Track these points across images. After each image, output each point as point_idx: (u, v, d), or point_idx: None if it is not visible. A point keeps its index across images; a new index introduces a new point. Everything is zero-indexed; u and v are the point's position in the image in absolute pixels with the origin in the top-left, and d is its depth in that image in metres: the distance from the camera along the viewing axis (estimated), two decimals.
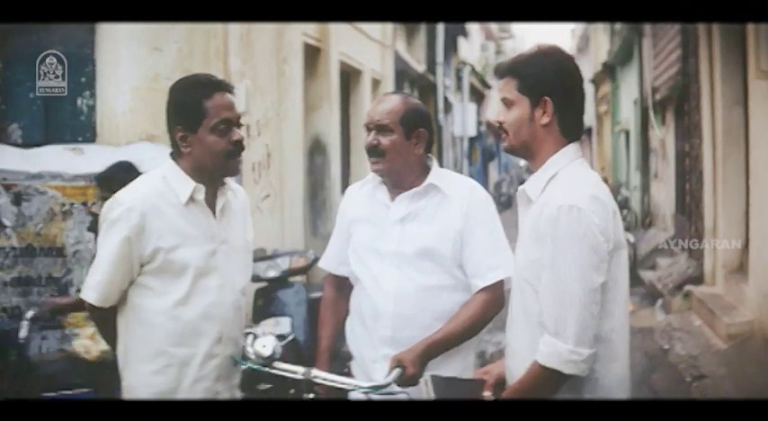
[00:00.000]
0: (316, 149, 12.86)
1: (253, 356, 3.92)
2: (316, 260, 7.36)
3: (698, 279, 12.77)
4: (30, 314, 5.66)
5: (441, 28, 24.92)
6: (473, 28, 36.65)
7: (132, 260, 3.90)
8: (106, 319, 4.06)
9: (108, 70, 7.89)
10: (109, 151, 7.59)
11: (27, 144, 7.66)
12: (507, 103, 3.47)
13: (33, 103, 7.67)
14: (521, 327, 3.46)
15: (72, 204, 7.02)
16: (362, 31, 15.30)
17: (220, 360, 4.02)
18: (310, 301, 7.83)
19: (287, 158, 10.68)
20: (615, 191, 21.21)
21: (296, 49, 11.31)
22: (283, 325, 7.77)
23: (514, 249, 3.61)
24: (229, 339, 4.04)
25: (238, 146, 3.97)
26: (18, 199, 6.98)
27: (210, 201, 4.02)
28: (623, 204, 20.53)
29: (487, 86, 40.11)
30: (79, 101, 7.90)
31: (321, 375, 3.92)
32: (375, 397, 3.86)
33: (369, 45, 16.11)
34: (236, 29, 8.60)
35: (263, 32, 9.79)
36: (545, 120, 3.42)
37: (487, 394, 3.51)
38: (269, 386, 3.99)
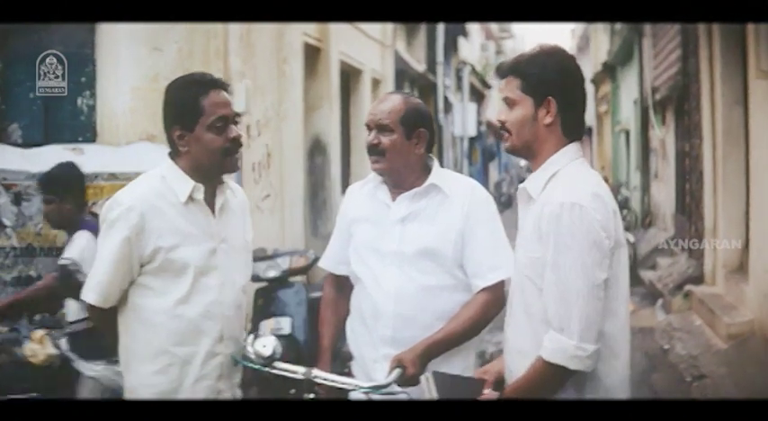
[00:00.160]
0: (316, 149, 12.86)
1: (253, 356, 3.92)
2: (316, 260, 7.36)
3: (698, 279, 12.77)
4: None
5: (441, 28, 24.91)
6: (473, 28, 36.65)
7: (132, 260, 3.90)
8: (107, 320, 4.05)
9: (108, 70, 7.90)
10: (109, 151, 7.61)
11: (27, 144, 7.67)
12: (510, 103, 3.47)
13: (33, 102, 7.68)
14: (521, 326, 3.46)
15: None
16: (362, 30, 15.30)
17: (222, 358, 4.02)
18: (310, 301, 7.83)
19: (287, 158, 10.69)
20: (615, 190, 21.22)
21: (296, 48, 11.32)
22: (283, 324, 7.78)
23: (514, 248, 3.61)
24: (230, 338, 4.04)
25: (236, 143, 3.97)
26: (18, 199, 6.99)
27: (210, 200, 4.01)
28: (623, 204, 20.53)
29: (488, 86, 40.11)
30: (79, 101, 7.91)
31: (321, 375, 3.92)
32: (376, 397, 3.86)
33: (369, 45, 16.12)
34: (236, 29, 8.61)
35: (264, 32, 9.79)
36: (548, 119, 3.42)
37: (488, 391, 3.51)
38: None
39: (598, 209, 3.29)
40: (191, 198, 3.94)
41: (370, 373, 4.16)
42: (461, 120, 28.78)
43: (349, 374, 4.25)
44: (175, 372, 3.95)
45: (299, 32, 11.43)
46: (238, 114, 4.07)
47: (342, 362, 4.37)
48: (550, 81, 3.42)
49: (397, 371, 3.85)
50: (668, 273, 14.16)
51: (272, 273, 8.07)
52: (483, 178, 37.65)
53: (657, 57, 18.35)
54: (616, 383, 3.39)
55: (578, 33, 44.36)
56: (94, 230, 5.75)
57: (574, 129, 3.49)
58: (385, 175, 4.24)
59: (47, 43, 7.34)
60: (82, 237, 5.69)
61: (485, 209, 4.22)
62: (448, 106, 27.93)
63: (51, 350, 5.78)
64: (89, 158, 7.40)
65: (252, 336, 4.00)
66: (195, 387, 3.97)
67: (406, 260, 4.15)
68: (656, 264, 15.48)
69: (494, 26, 46.72)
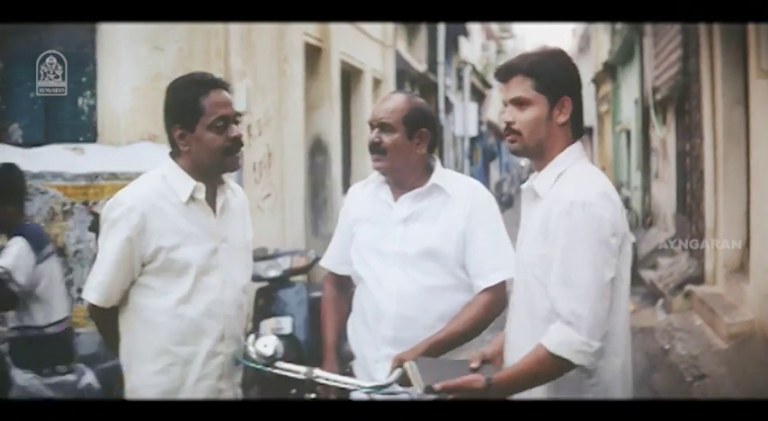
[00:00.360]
0: (317, 149, 12.86)
1: (254, 356, 3.92)
2: (317, 259, 7.37)
3: (699, 278, 12.77)
4: None
5: (441, 28, 24.91)
6: (474, 27, 36.65)
7: (134, 260, 3.90)
8: (108, 320, 4.05)
9: (109, 70, 7.90)
10: (110, 151, 7.62)
11: (28, 143, 7.67)
12: (522, 102, 3.45)
13: (34, 102, 7.69)
14: (524, 325, 3.46)
15: (73, 204, 7.04)
16: (363, 30, 15.30)
17: (223, 358, 4.01)
18: (311, 301, 7.83)
19: (288, 158, 10.69)
20: (616, 190, 21.18)
21: (297, 48, 11.32)
22: (284, 324, 7.78)
23: (517, 247, 3.61)
24: (232, 337, 4.04)
25: (236, 142, 3.97)
26: None
27: (210, 200, 4.02)
28: (624, 204, 20.47)
29: (488, 86, 40.08)
30: (80, 100, 7.91)
31: (323, 375, 3.92)
32: (377, 396, 3.86)
33: (370, 44, 16.12)
34: (236, 28, 8.61)
35: (264, 32, 9.80)
36: (562, 118, 3.44)
37: (474, 376, 3.47)
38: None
39: (607, 207, 3.31)
40: (192, 198, 3.94)
41: (371, 373, 4.16)
42: (462, 120, 28.76)
43: (350, 374, 4.25)
44: (177, 372, 3.95)
45: (300, 32, 11.44)
46: (239, 114, 4.07)
47: (343, 361, 4.37)
48: (564, 80, 3.45)
49: (398, 371, 3.84)
50: (669, 272, 14.16)
51: (273, 273, 8.07)
52: (484, 178, 37.64)
53: (658, 56, 18.35)
54: (617, 381, 3.40)
55: (579, 33, 44.38)
56: (31, 235, 5.75)
57: (579, 128, 3.52)
58: (386, 174, 4.24)
59: (47, 43, 7.34)
60: (16, 243, 5.65)
61: (487, 209, 4.22)
62: (449, 106, 27.93)
63: None
64: (90, 158, 7.41)
65: (253, 336, 4.00)
66: (196, 386, 3.97)
67: (409, 260, 4.15)
68: (656, 264, 15.48)
69: (494, 26, 46.73)
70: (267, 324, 7.80)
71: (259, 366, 3.94)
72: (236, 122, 4.00)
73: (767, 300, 9.52)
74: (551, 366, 3.29)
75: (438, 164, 4.30)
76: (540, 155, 3.50)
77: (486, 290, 4.12)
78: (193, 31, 7.94)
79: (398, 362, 3.86)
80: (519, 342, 3.47)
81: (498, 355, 3.62)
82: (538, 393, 3.40)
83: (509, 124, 3.49)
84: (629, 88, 24.30)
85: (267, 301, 8.03)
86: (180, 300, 3.92)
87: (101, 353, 6.36)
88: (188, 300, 3.93)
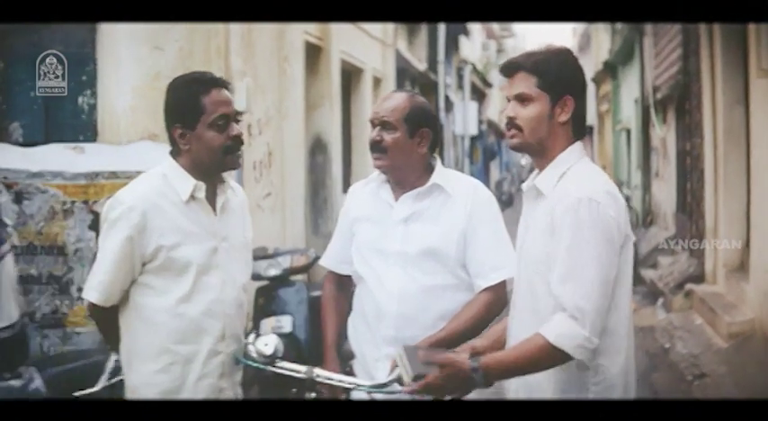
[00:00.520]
0: (317, 148, 12.86)
1: (255, 355, 3.92)
2: (317, 259, 7.36)
3: (699, 277, 12.77)
4: None
5: (442, 27, 24.90)
6: (474, 27, 36.63)
7: (134, 259, 3.91)
8: (108, 319, 4.06)
9: (109, 69, 7.90)
10: (110, 150, 7.61)
11: (28, 143, 7.67)
12: (524, 99, 3.47)
13: (34, 101, 7.68)
14: (526, 323, 3.46)
15: (73, 203, 7.03)
16: (364, 29, 15.29)
17: (224, 357, 4.02)
18: (311, 300, 7.83)
19: (288, 157, 10.69)
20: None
21: (297, 47, 11.32)
22: (284, 323, 7.78)
23: (519, 246, 3.62)
24: (232, 336, 4.05)
25: (237, 141, 3.98)
26: (19, 197, 6.99)
27: (211, 199, 4.03)
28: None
29: (489, 85, 40.10)
30: (80, 99, 7.91)
31: (323, 374, 3.93)
32: (377, 396, 3.86)
33: (370, 43, 16.11)
34: (237, 28, 8.61)
35: (265, 31, 9.79)
36: (564, 117, 3.45)
37: (464, 357, 3.46)
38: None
39: (612, 205, 3.33)
40: (192, 196, 3.95)
41: (371, 372, 4.16)
42: (462, 119, 28.74)
43: (350, 373, 4.26)
44: (177, 371, 3.96)
45: (300, 31, 11.43)
46: (239, 113, 4.08)
47: (343, 360, 4.37)
48: (567, 80, 3.47)
49: (398, 370, 3.85)
50: (669, 271, 14.17)
51: (273, 272, 8.07)
52: (484, 177, 37.63)
53: (658, 56, 18.35)
54: (620, 379, 3.40)
55: (579, 32, 44.37)
56: None
57: (581, 127, 3.54)
58: (387, 173, 4.24)
59: (47, 42, 7.35)
60: None
61: (487, 209, 4.23)
62: (449, 105, 27.94)
63: None
64: (90, 157, 7.41)
65: (253, 335, 4.00)
66: (197, 385, 3.97)
67: (410, 260, 4.15)
68: (656, 263, 15.49)
69: (495, 25, 46.70)
70: (267, 323, 7.80)
71: (259, 365, 3.94)
72: (237, 121, 4.01)
73: (767, 299, 9.53)
74: (548, 357, 3.29)
75: (439, 163, 4.30)
76: (540, 152, 3.51)
77: (486, 289, 4.13)
78: (194, 31, 7.94)
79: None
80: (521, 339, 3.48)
81: (489, 349, 3.61)
82: (542, 391, 3.41)
83: (511, 119, 3.50)
84: (630, 87, 24.30)
85: (267, 300, 8.04)
86: (180, 299, 3.93)
87: (55, 357, 6.38)
88: (188, 299, 3.94)
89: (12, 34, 7.77)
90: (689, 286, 12.63)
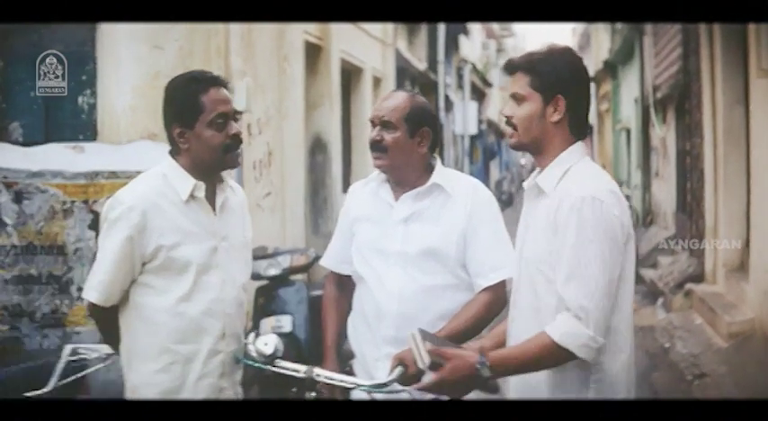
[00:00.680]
0: (317, 147, 12.87)
1: (254, 354, 3.92)
2: (317, 258, 7.37)
3: (699, 277, 12.77)
4: None
5: (442, 26, 24.90)
6: (474, 26, 36.63)
7: (134, 259, 3.91)
8: (108, 319, 4.06)
9: (109, 68, 7.90)
10: (110, 149, 7.62)
11: (28, 142, 7.68)
12: (518, 99, 3.49)
13: (34, 101, 7.69)
14: (528, 322, 3.46)
15: (73, 202, 7.04)
16: (363, 29, 15.30)
17: (224, 356, 4.02)
18: (311, 299, 7.84)
19: (288, 156, 10.69)
20: None
21: (297, 47, 11.32)
22: (284, 323, 7.78)
23: (519, 244, 3.62)
24: (232, 335, 4.05)
25: (236, 139, 3.98)
26: (19, 197, 7.00)
27: (210, 198, 4.03)
28: None
29: (489, 85, 40.10)
30: (80, 99, 7.91)
31: (323, 373, 3.92)
32: (377, 395, 3.86)
33: (370, 43, 16.11)
34: (237, 27, 8.61)
35: (264, 31, 9.80)
36: (556, 117, 3.46)
37: (470, 353, 3.47)
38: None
39: (615, 204, 3.34)
40: (192, 196, 3.95)
41: (371, 372, 4.16)
42: (462, 119, 28.75)
43: (350, 373, 4.25)
44: (178, 371, 3.96)
45: (300, 31, 11.44)
46: (239, 112, 4.08)
47: (343, 360, 4.37)
48: (560, 79, 3.46)
49: (398, 370, 3.84)
50: (669, 271, 14.17)
51: (273, 272, 8.08)
52: (484, 177, 37.64)
53: (658, 55, 18.35)
54: (620, 378, 3.41)
55: (579, 31, 44.36)
56: None
57: (580, 128, 3.53)
58: (387, 173, 4.24)
59: (47, 42, 7.35)
60: None
61: (487, 208, 4.22)
62: (449, 105, 27.94)
63: None
64: (90, 157, 7.42)
65: (253, 335, 4.00)
66: (197, 385, 3.98)
67: (410, 260, 4.14)
68: (656, 263, 15.49)
69: (495, 25, 46.70)
70: (267, 322, 7.81)
71: (259, 365, 3.94)
72: (236, 119, 4.01)
73: (767, 298, 9.53)
74: (553, 355, 3.30)
75: (439, 163, 4.29)
76: (537, 151, 3.52)
77: (486, 289, 4.12)
78: (193, 30, 7.94)
79: (398, 361, 3.86)
80: (525, 338, 3.48)
81: (495, 349, 3.62)
82: (542, 388, 3.42)
83: (508, 119, 3.53)
84: (630, 87, 24.29)
85: (267, 300, 8.04)
86: (180, 298, 3.93)
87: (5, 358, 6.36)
88: (188, 298, 3.94)
89: (12, 34, 7.77)
90: (689, 286, 12.63)
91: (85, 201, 7.05)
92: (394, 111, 4.17)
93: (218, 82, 4.00)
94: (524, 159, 48.09)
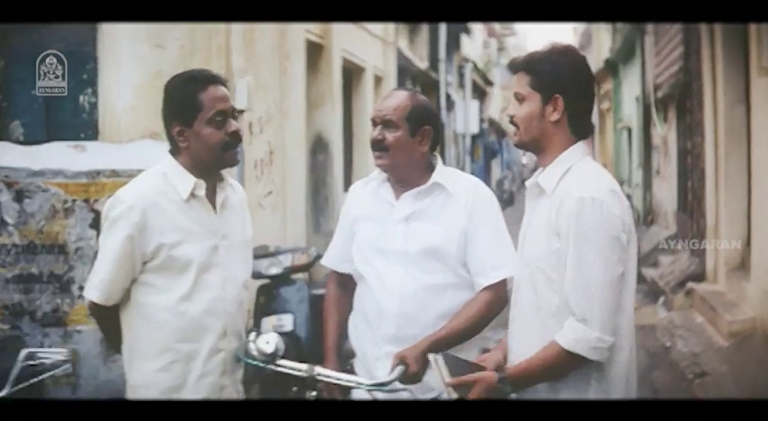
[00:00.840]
0: (318, 146, 12.87)
1: (255, 353, 3.92)
2: (318, 257, 7.38)
3: (700, 276, 12.76)
4: None
5: (443, 25, 24.88)
6: (475, 25, 36.60)
7: (135, 258, 3.91)
8: (109, 318, 4.07)
9: (110, 67, 7.90)
10: (111, 148, 7.62)
11: (29, 141, 7.68)
12: (519, 98, 3.52)
13: (35, 100, 7.68)
14: (530, 321, 3.48)
15: (74, 201, 7.05)
16: (365, 28, 15.29)
17: (225, 354, 4.03)
18: (312, 298, 7.85)
19: (289, 155, 10.69)
20: None
21: (298, 46, 11.32)
22: (285, 322, 7.79)
23: (521, 244, 3.63)
24: (233, 333, 4.06)
25: (235, 137, 3.99)
26: (20, 196, 7.00)
27: (210, 197, 4.04)
28: None
29: (490, 83, 40.08)
30: (81, 98, 7.91)
31: (324, 372, 3.93)
32: (378, 394, 3.87)
33: (371, 42, 16.11)
34: (238, 26, 8.61)
35: (266, 30, 9.79)
36: (555, 116, 3.47)
37: (489, 372, 3.50)
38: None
39: (616, 204, 3.36)
40: (192, 195, 3.96)
41: (372, 371, 4.16)
42: (463, 118, 28.75)
43: (351, 371, 4.25)
44: (179, 369, 3.97)
45: (302, 30, 11.43)
46: (241, 111, 4.09)
47: (344, 359, 4.37)
48: (559, 79, 3.47)
49: (399, 369, 3.85)
50: (670, 270, 14.17)
51: (274, 271, 8.08)
52: (485, 175, 37.63)
53: (659, 54, 18.35)
54: (622, 376, 3.43)
55: (580, 31, 44.29)
56: None
57: (581, 127, 3.55)
58: (388, 171, 4.24)
59: (48, 41, 7.35)
60: None
61: (488, 207, 4.23)
62: (450, 103, 27.93)
63: None
64: (91, 155, 7.42)
65: (254, 334, 4.00)
66: (199, 383, 3.98)
67: (410, 259, 4.15)
68: (657, 262, 15.48)
69: (496, 24, 46.71)
70: (268, 321, 7.82)
71: (260, 364, 3.95)
72: (235, 117, 4.02)
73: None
74: (566, 362, 3.34)
75: (439, 162, 4.29)
76: (538, 150, 3.55)
77: (487, 287, 4.12)
78: (195, 29, 7.94)
79: (399, 360, 3.88)
80: (525, 337, 3.50)
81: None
82: (543, 386, 3.43)
83: (511, 118, 3.56)
84: (631, 86, 24.29)
85: (268, 299, 8.05)
86: (181, 297, 3.94)
87: None
88: (189, 297, 3.94)
89: (12, 33, 7.77)
90: (690, 285, 12.63)
91: (87, 200, 7.06)
92: (395, 110, 4.17)
93: (216, 80, 4.01)
94: (526, 158, 48.07)
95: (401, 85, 18.45)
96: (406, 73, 20.47)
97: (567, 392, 3.40)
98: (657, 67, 18.54)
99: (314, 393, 3.94)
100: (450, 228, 4.15)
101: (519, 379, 3.40)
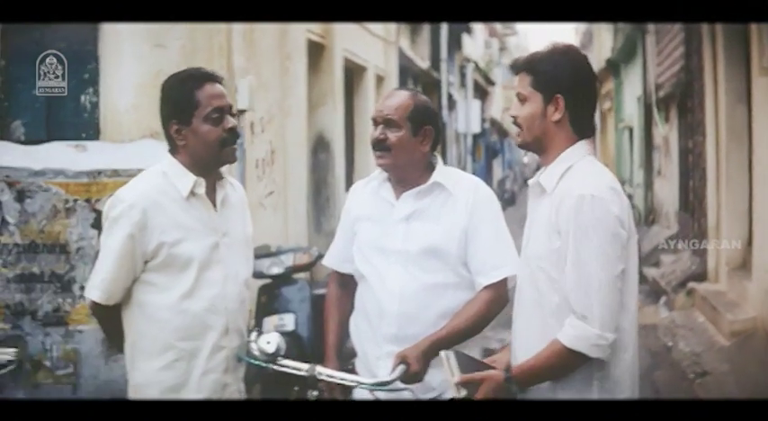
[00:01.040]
0: (319, 146, 12.87)
1: (257, 353, 3.93)
2: (319, 257, 7.37)
3: (701, 276, 12.77)
4: None
5: (444, 25, 24.88)
6: (477, 25, 36.62)
7: (136, 257, 3.92)
8: (110, 317, 4.08)
9: (111, 67, 7.90)
10: (112, 148, 7.61)
11: (30, 141, 7.67)
12: (521, 99, 3.54)
13: (36, 100, 7.68)
14: (532, 319, 3.49)
15: (75, 201, 7.04)
16: (366, 27, 15.28)
17: (227, 352, 4.04)
18: (314, 298, 7.85)
19: (291, 155, 10.69)
20: None
21: (300, 45, 11.32)
22: (287, 321, 7.79)
23: (519, 245, 3.64)
24: (235, 331, 4.07)
25: (233, 133, 4.01)
26: (21, 196, 7.00)
27: (210, 195, 4.05)
28: None
29: (491, 83, 40.07)
30: (82, 98, 7.91)
31: (325, 372, 3.93)
32: (379, 394, 3.87)
33: (372, 41, 16.10)
34: (239, 26, 8.61)
35: (267, 29, 9.79)
36: (556, 116, 3.48)
37: (497, 371, 3.51)
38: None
39: (616, 202, 3.36)
40: (192, 193, 3.97)
41: (373, 370, 4.16)
42: (465, 117, 28.75)
43: (352, 371, 4.26)
44: (182, 367, 3.98)
45: (303, 29, 11.43)
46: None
47: (345, 359, 4.38)
48: (560, 79, 3.48)
49: (400, 368, 3.86)
50: (671, 270, 14.17)
51: (276, 270, 8.08)
52: (486, 175, 37.65)
53: (661, 54, 18.36)
54: (624, 375, 3.44)
55: (581, 30, 44.31)
56: None
57: (583, 126, 3.56)
58: (389, 171, 4.24)
59: (49, 40, 7.35)
60: None
61: (488, 207, 4.22)
62: (452, 103, 27.92)
63: None
64: (92, 155, 7.42)
65: (255, 333, 4.01)
66: (202, 381, 3.99)
67: (411, 259, 4.15)
68: (659, 262, 15.49)
69: (497, 23, 46.72)
70: (270, 321, 7.81)
71: (262, 363, 3.95)
72: (232, 114, 4.04)
73: None
74: (568, 360, 3.34)
75: (440, 161, 4.30)
76: (541, 150, 3.56)
77: (487, 287, 4.12)
78: (196, 29, 7.94)
79: (400, 359, 3.88)
80: (528, 335, 3.51)
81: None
82: (545, 388, 3.44)
83: (514, 118, 3.57)
84: (632, 85, 24.29)
85: (270, 298, 8.05)
86: (183, 295, 3.95)
87: None
88: (191, 295, 3.95)
89: (13, 32, 7.77)
90: (691, 284, 12.63)
91: (88, 200, 7.06)
92: (397, 110, 4.17)
93: (212, 77, 4.03)
94: (527, 158, 48.10)
95: (403, 84, 18.45)
96: (407, 73, 20.47)
97: (570, 392, 3.40)
98: (659, 67, 18.55)
99: (315, 393, 3.95)
100: (450, 227, 4.15)
101: (524, 378, 3.41)
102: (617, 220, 3.34)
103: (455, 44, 29.15)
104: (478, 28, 38.68)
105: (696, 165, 14.15)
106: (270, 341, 3.92)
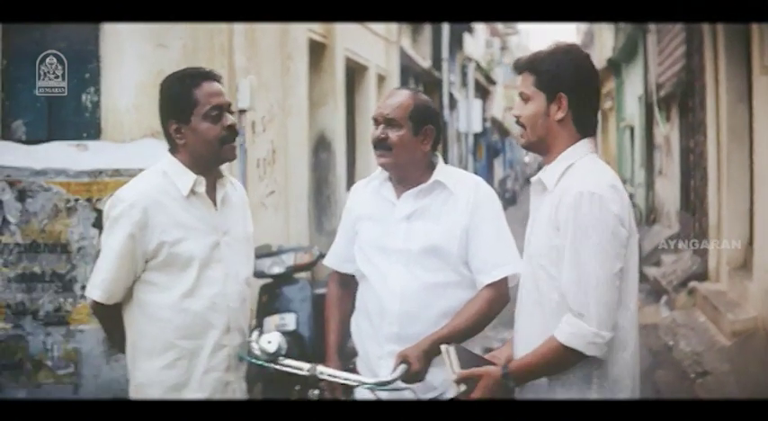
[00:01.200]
0: (321, 145, 12.87)
1: (258, 352, 3.93)
2: (320, 256, 7.37)
3: (702, 275, 12.77)
4: None
5: (446, 25, 24.87)
6: (478, 24, 36.61)
7: (136, 256, 3.93)
8: (111, 317, 4.08)
9: (112, 66, 7.90)
10: (113, 147, 7.62)
11: (31, 140, 7.67)
12: (524, 98, 3.55)
13: (37, 99, 7.67)
14: (533, 317, 3.50)
15: (76, 200, 7.05)
16: (368, 27, 15.27)
17: (229, 350, 4.05)
18: (315, 298, 7.85)
19: (292, 154, 10.69)
20: None
21: (301, 45, 11.32)
22: (288, 321, 7.79)
23: (521, 244, 3.64)
24: (236, 329, 4.08)
25: (232, 130, 4.02)
26: (22, 195, 7.00)
27: (210, 194, 4.06)
28: None
29: (492, 82, 40.06)
30: (83, 97, 7.91)
31: (326, 371, 3.93)
32: (381, 393, 3.87)
33: (374, 41, 16.10)
34: (240, 25, 8.61)
35: (268, 29, 9.79)
36: (560, 115, 3.49)
37: (495, 368, 3.52)
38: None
39: (615, 199, 3.36)
40: (192, 191, 3.98)
41: (374, 370, 4.16)
42: (466, 117, 28.71)
43: (354, 370, 4.26)
44: (184, 366, 3.98)
45: (304, 29, 11.43)
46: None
47: (346, 358, 4.38)
48: (563, 78, 3.49)
49: (402, 367, 3.86)
50: (672, 269, 14.16)
51: (277, 270, 8.08)
52: (487, 175, 37.64)
53: (662, 53, 18.35)
54: (624, 375, 3.44)
55: (583, 30, 44.30)
56: None
57: (586, 125, 3.57)
58: (390, 170, 4.24)
59: (50, 40, 7.36)
60: None
61: (489, 206, 4.22)
62: (453, 102, 27.90)
63: None
64: (93, 155, 7.42)
65: (256, 333, 4.01)
66: (203, 380, 4.00)
67: (412, 258, 4.15)
68: (660, 261, 15.48)
69: (499, 23, 46.71)
70: (271, 320, 7.81)
71: (263, 363, 3.95)
72: (230, 111, 4.05)
73: None
74: (564, 357, 3.35)
75: (440, 161, 4.30)
76: (544, 150, 3.57)
77: (488, 286, 4.12)
78: (197, 29, 7.94)
79: (402, 359, 3.88)
80: (529, 334, 3.51)
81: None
82: (545, 384, 3.44)
83: (517, 118, 3.58)
84: (633, 85, 24.29)
85: (271, 298, 8.04)
86: (184, 294, 3.95)
87: None
88: (192, 293, 3.96)
89: (14, 32, 7.77)
90: (692, 284, 12.63)
91: (89, 200, 7.06)
92: (398, 109, 4.17)
93: (210, 76, 4.04)
94: (528, 157, 48.10)
95: (404, 84, 18.45)
96: (408, 72, 20.46)
97: (569, 392, 3.41)
98: (660, 67, 18.55)
99: (316, 392, 3.95)
100: (451, 226, 4.15)
101: (520, 373, 3.42)
102: (616, 218, 3.34)
103: (456, 44, 29.15)
104: (480, 27, 38.69)
105: (697, 164, 14.14)
106: (271, 340, 3.92)
